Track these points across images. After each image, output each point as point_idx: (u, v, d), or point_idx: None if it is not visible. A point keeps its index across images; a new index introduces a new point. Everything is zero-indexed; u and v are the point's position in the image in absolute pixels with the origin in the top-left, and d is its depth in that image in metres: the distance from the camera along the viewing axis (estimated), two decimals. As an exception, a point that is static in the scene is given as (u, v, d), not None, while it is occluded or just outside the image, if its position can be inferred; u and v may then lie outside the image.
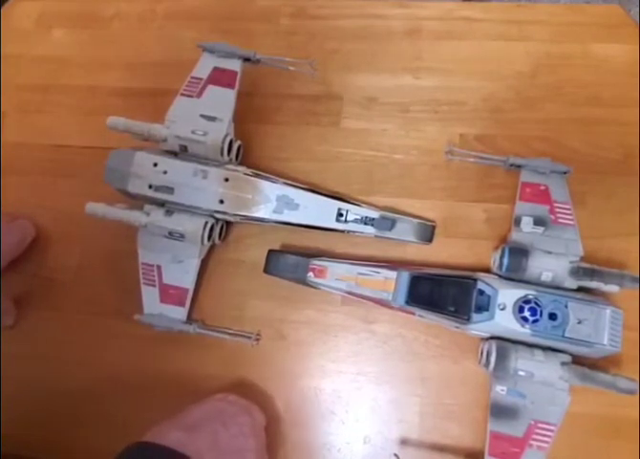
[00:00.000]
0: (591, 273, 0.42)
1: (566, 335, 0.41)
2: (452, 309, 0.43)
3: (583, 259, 0.44)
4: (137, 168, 0.48)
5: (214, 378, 0.49)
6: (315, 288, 0.48)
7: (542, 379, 0.41)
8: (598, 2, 0.91)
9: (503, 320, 0.42)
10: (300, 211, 0.48)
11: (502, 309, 0.42)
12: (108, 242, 0.53)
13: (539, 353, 0.41)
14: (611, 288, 0.42)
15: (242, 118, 0.52)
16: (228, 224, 0.52)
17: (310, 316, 0.49)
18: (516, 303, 0.42)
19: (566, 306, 0.41)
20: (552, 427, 0.41)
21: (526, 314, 0.41)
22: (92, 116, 0.58)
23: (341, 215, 0.48)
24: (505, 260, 0.43)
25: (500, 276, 0.44)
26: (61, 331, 0.52)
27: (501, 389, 0.42)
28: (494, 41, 0.55)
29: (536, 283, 0.43)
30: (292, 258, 0.48)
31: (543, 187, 0.47)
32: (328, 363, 0.48)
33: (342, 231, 0.48)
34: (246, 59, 0.50)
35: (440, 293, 0.44)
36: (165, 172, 0.48)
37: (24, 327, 0.52)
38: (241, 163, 0.51)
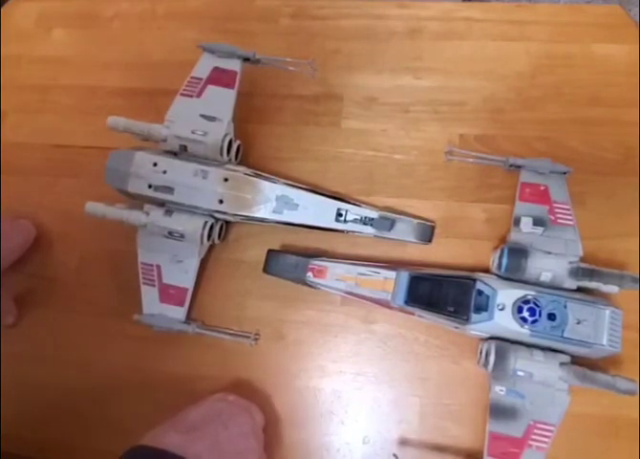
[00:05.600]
0: (591, 274, 0.42)
1: (565, 335, 0.41)
2: (451, 309, 0.43)
3: (582, 259, 0.44)
4: (136, 168, 0.48)
5: (213, 378, 0.49)
6: (315, 288, 0.48)
7: (541, 379, 0.41)
8: (598, 2, 0.91)
9: (502, 321, 0.42)
10: (299, 211, 0.48)
11: (501, 309, 0.42)
12: (108, 242, 0.53)
13: (538, 353, 0.41)
14: (611, 288, 0.42)
15: (241, 118, 0.52)
16: (228, 224, 0.52)
17: (310, 317, 0.49)
18: (515, 303, 0.42)
19: (565, 306, 0.41)
20: (551, 428, 0.41)
21: (525, 314, 0.41)
22: (92, 116, 0.58)
23: (340, 215, 0.48)
24: (505, 260, 0.43)
25: (499, 277, 0.44)
26: (61, 331, 0.52)
27: (500, 389, 0.42)
28: (494, 41, 0.55)
29: (535, 283, 0.43)
30: (292, 258, 0.48)
31: (542, 188, 0.47)
32: (327, 363, 0.48)
33: (341, 231, 0.48)
34: (246, 59, 0.50)
35: (440, 293, 0.44)
36: (165, 172, 0.48)
37: (24, 327, 0.52)
38: (240, 163, 0.51)
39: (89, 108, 0.59)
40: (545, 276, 0.43)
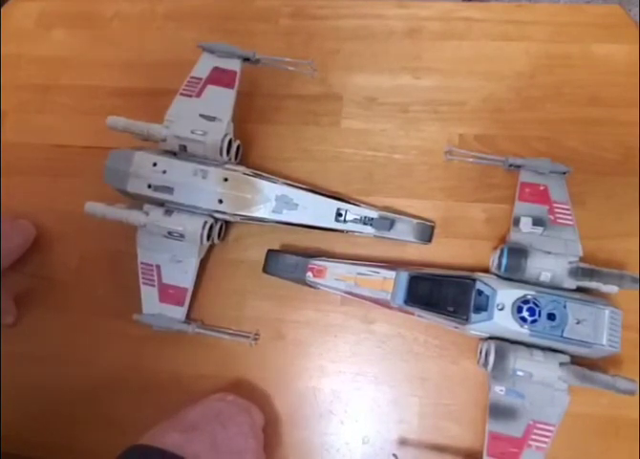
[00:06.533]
0: (590, 274, 0.42)
1: (565, 335, 0.41)
2: (451, 309, 0.43)
3: (582, 259, 0.44)
4: (136, 168, 0.48)
5: (213, 377, 0.49)
6: (314, 288, 0.48)
7: (540, 379, 0.41)
8: (598, 2, 0.91)
9: (502, 320, 0.42)
10: (299, 211, 0.48)
11: (501, 309, 0.42)
12: (108, 242, 0.53)
13: (538, 353, 0.41)
14: (611, 288, 0.42)
15: (241, 117, 0.52)
16: (228, 224, 0.52)
17: (310, 316, 0.49)
18: (514, 303, 0.42)
19: (565, 306, 0.41)
20: (551, 428, 0.40)
21: (525, 314, 0.41)
22: (92, 116, 0.58)
23: (340, 215, 0.48)
24: (504, 260, 0.43)
25: (498, 276, 0.44)
26: (61, 331, 0.52)
27: (499, 389, 0.42)
28: (494, 41, 0.55)
29: (535, 283, 0.43)
30: (291, 258, 0.48)
31: (542, 188, 0.47)
32: (327, 363, 0.48)
33: (341, 231, 0.48)
34: (246, 59, 0.50)
35: (439, 293, 0.44)
36: (165, 172, 0.48)
37: (24, 327, 0.52)
38: (240, 163, 0.51)
39: (89, 108, 0.59)
40: (545, 276, 0.43)
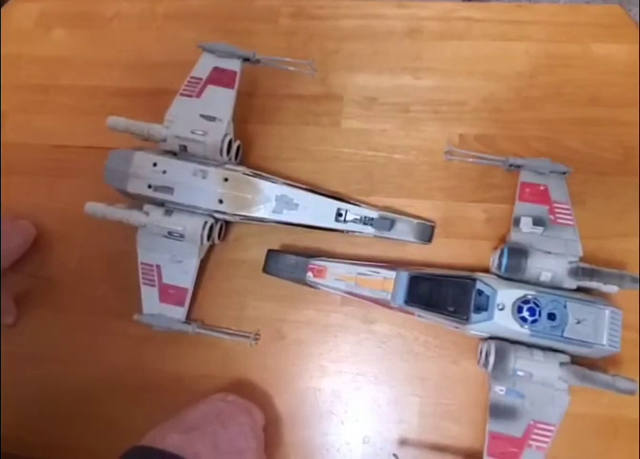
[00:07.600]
0: (591, 274, 0.42)
1: (565, 335, 0.41)
2: (451, 309, 0.43)
3: (582, 259, 0.44)
4: (136, 168, 0.48)
5: (213, 377, 0.49)
6: (315, 288, 0.48)
7: (541, 379, 0.41)
8: (598, 2, 0.91)
9: (502, 320, 0.42)
10: (299, 211, 0.48)
11: (501, 309, 0.42)
12: (108, 242, 0.53)
13: (538, 353, 0.41)
14: (611, 288, 0.42)
15: (241, 118, 0.52)
16: (228, 224, 0.52)
17: (310, 317, 0.49)
18: (515, 303, 0.42)
19: (565, 306, 0.41)
20: (551, 428, 0.41)
21: (525, 314, 0.41)
22: (92, 116, 0.58)
23: (340, 215, 0.48)
24: (504, 260, 0.43)
25: (499, 276, 0.44)
26: (61, 331, 0.52)
27: (500, 389, 0.42)
28: (494, 41, 0.55)
29: (535, 283, 0.43)
30: (292, 258, 0.48)
31: (542, 188, 0.47)
32: (327, 363, 0.48)
33: (341, 231, 0.48)
34: (246, 59, 0.50)
35: (439, 293, 0.44)
36: (165, 172, 0.48)
37: (24, 327, 0.52)
38: (240, 163, 0.51)
39: (89, 108, 0.59)
40: (545, 276, 0.43)
